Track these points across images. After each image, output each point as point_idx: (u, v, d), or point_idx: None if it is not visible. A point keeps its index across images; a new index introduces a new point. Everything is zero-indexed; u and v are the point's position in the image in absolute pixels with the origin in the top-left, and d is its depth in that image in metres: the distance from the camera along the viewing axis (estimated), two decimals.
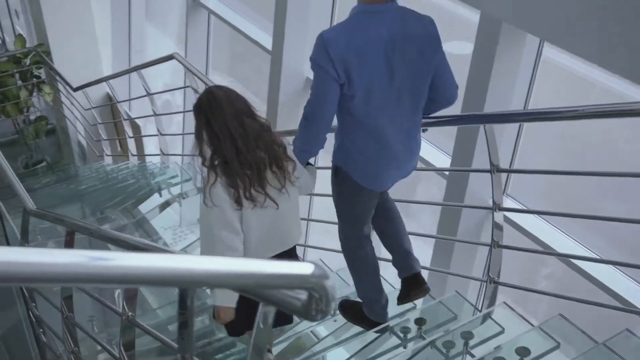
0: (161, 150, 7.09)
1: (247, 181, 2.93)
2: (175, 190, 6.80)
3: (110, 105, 9.39)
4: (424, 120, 3.23)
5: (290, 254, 3.25)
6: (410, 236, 3.62)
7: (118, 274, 1.23)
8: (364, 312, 3.68)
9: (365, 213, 3.43)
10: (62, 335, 3.67)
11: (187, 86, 5.91)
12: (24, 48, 9.46)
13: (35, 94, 9.73)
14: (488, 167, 3.56)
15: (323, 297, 1.52)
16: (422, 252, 5.52)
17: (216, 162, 2.93)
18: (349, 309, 3.84)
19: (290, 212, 3.15)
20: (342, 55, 2.88)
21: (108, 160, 8.87)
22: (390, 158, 3.18)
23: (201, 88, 5.81)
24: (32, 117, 9.99)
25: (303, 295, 1.53)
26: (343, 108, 3.05)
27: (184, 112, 8.17)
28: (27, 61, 9.43)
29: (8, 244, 3.74)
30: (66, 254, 1.21)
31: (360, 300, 3.70)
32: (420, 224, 7.87)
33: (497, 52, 4.54)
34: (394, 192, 3.60)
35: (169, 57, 6.12)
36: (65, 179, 8.98)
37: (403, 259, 3.57)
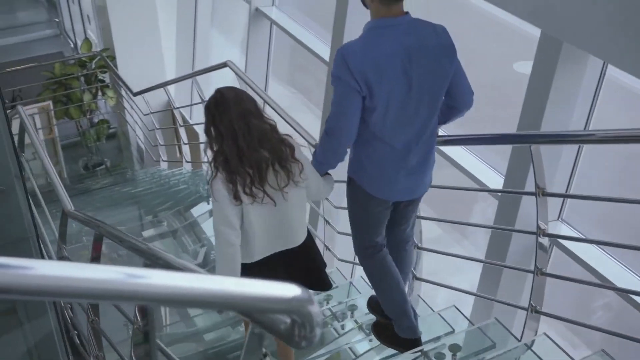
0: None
1: (248, 178, 3.04)
2: None
3: (170, 111, 9.45)
4: (467, 136, 3.14)
5: (302, 254, 3.35)
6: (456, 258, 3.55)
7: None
8: (395, 332, 3.65)
9: (377, 223, 3.48)
10: (87, 339, 3.62)
11: None
12: (89, 52, 9.60)
13: (98, 97, 9.87)
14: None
15: (307, 324, 1.39)
16: (473, 272, 5.34)
17: (219, 159, 3.06)
18: (382, 331, 3.80)
19: (293, 211, 3.23)
20: (361, 68, 2.93)
21: (164, 165, 8.91)
22: (402, 168, 3.21)
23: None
24: (95, 120, 10.12)
25: (288, 318, 1.42)
26: (361, 121, 3.08)
27: None
28: (93, 65, 9.56)
29: (40, 246, 3.70)
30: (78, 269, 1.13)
31: (391, 319, 3.67)
32: (476, 244, 7.65)
33: (556, 72, 4.34)
34: (448, 210, 3.50)
35: (223, 65, 6.07)
36: (122, 181, 9.07)
37: (408, 318, 3.63)
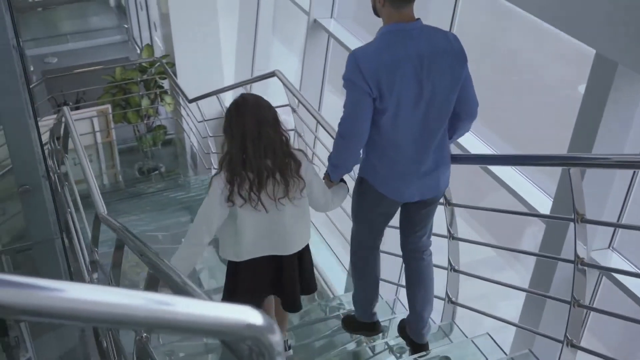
0: None
1: (247, 183, 3.13)
2: None
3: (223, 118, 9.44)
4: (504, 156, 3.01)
5: (294, 259, 3.43)
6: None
7: None
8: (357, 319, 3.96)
9: (382, 223, 3.58)
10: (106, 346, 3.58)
11: (286, 104, 5.76)
12: (149, 58, 9.69)
13: (157, 103, 9.94)
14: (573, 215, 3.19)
15: (265, 354, 1.26)
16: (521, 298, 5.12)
17: (226, 159, 3.15)
18: (350, 323, 4.08)
19: (287, 221, 3.28)
20: (373, 71, 2.99)
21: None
22: (414, 170, 3.26)
23: (299, 107, 5.68)
24: (152, 126, 10.20)
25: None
26: (372, 124, 3.13)
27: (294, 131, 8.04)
28: (152, 71, 9.64)
29: (64, 248, 3.67)
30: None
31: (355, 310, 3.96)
32: (528, 268, 7.35)
33: (611, 93, 4.12)
34: (500, 232, 3.37)
35: (271, 74, 6.00)
36: (174, 187, 9.10)
37: (416, 322, 3.80)
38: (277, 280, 3.47)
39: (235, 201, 3.15)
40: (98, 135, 9.68)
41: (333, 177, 3.45)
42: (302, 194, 3.26)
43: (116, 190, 9.69)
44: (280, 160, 3.16)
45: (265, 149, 3.11)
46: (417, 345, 3.85)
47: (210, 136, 8.41)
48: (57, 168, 6.35)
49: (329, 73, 8.33)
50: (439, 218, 3.83)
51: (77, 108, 10.00)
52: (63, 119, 5.89)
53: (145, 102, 9.63)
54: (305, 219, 3.40)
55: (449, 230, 4.10)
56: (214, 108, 9.46)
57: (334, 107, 8.26)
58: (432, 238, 3.76)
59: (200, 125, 8.60)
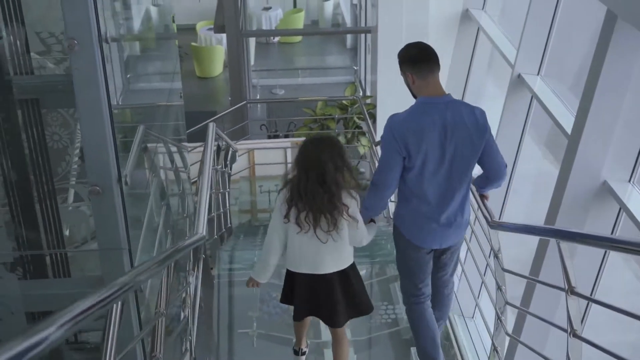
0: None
1: (297, 210, 3.67)
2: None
3: None
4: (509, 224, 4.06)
5: (335, 281, 3.87)
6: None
7: None
8: None
9: (417, 269, 4.03)
10: None
11: None
12: (350, 96, 9.50)
13: (354, 143, 9.72)
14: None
15: None
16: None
17: (293, 182, 3.68)
18: None
19: (330, 247, 3.76)
20: (403, 134, 3.63)
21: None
22: (434, 220, 3.83)
23: None
24: None
25: None
26: (401, 178, 3.76)
27: None
28: (352, 110, 9.44)
29: (131, 260, 3.43)
30: None
31: None
32: None
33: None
34: None
35: None
36: None
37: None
38: (315, 296, 3.92)
39: (290, 219, 3.72)
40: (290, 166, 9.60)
41: (364, 218, 3.88)
42: (345, 228, 3.77)
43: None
44: (336, 199, 3.64)
45: (323, 185, 3.60)
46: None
47: None
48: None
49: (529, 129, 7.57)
50: None
51: (276, 136, 10.05)
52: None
53: (341, 140, 9.41)
54: (345, 247, 3.85)
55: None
56: None
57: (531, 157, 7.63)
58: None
59: None
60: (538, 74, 7.24)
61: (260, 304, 5.45)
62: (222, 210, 7.20)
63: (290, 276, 3.97)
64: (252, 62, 15.37)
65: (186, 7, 16.73)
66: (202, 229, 4.04)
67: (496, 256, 4.26)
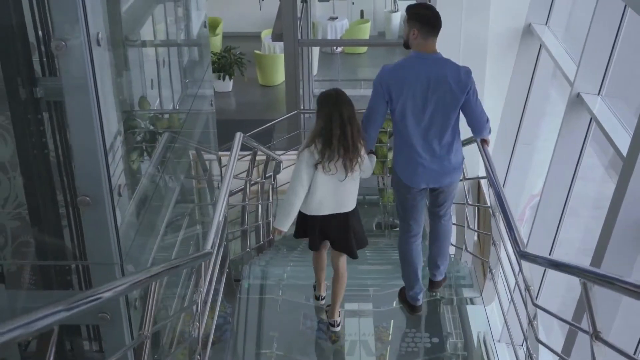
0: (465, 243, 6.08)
1: (332, 154, 4.32)
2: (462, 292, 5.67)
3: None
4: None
5: (347, 218, 4.65)
6: None
7: None
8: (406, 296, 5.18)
9: (409, 207, 4.76)
10: None
11: None
12: None
13: None
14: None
15: None
16: None
17: (319, 136, 4.36)
18: (401, 293, 5.30)
19: (348, 187, 4.52)
20: (387, 82, 4.37)
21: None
22: (420, 164, 4.52)
23: None
24: None
25: None
26: (394, 125, 4.53)
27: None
28: None
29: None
30: None
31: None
32: None
33: None
34: None
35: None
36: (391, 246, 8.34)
37: (432, 268, 5.13)
38: (334, 233, 4.70)
39: (318, 168, 4.37)
40: None
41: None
42: (362, 168, 4.50)
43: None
44: (352, 144, 4.32)
45: (344, 133, 4.28)
46: (432, 282, 5.24)
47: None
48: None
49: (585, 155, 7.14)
50: None
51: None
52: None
53: (391, 155, 9.11)
54: (356, 187, 4.62)
55: None
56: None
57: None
58: None
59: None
60: (599, 94, 6.81)
61: (284, 324, 5.22)
62: (260, 222, 7.02)
63: (304, 218, 4.67)
64: (315, 71, 15.19)
65: (251, 15, 16.72)
66: (210, 244, 3.82)
67: (527, 289, 3.92)
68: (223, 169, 9.39)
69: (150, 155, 4.26)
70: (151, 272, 2.98)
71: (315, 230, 4.68)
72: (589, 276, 3.01)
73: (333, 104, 4.30)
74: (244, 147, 6.47)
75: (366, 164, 4.54)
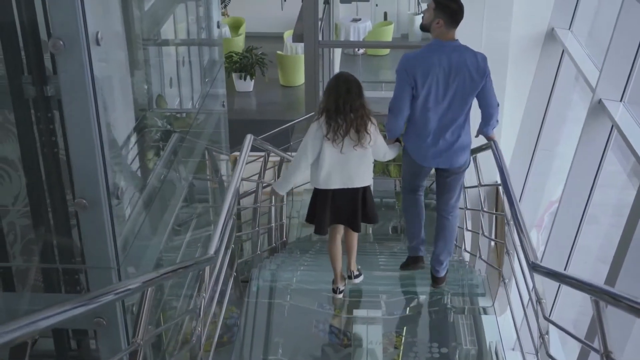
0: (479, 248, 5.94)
1: (336, 124, 4.52)
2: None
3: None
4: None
5: (356, 193, 4.80)
6: None
7: None
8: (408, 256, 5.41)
9: (414, 179, 5.07)
10: None
11: None
12: None
13: None
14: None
15: None
16: None
17: (325, 109, 4.58)
18: (403, 263, 5.48)
19: (357, 162, 4.68)
20: (412, 69, 4.51)
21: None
22: (431, 145, 4.74)
23: None
24: None
25: None
26: (411, 108, 4.64)
27: None
28: None
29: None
30: None
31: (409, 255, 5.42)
32: None
33: None
34: None
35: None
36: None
37: (435, 264, 5.25)
38: (345, 209, 4.84)
39: (328, 137, 4.55)
40: None
41: (388, 138, 4.93)
42: (368, 145, 4.63)
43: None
44: (359, 118, 4.52)
45: (351, 108, 4.49)
46: (435, 278, 5.32)
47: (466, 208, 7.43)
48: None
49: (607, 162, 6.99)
50: None
51: None
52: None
53: None
54: (367, 165, 4.77)
55: None
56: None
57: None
58: None
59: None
60: (621, 100, 6.67)
61: (291, 330, 5.13)
62: (274, 223, 6.95)
63: (316, 195, 4.85)
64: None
65: (274, 15, 16.67)
66: (213, 248, 3.75)
67: (539, 301, 3.80)
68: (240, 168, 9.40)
69: (156, 156, 4.20)
70: (143, 279, 2.90)
71: (325, 209, 4.79)
72: (600, 294, 2.88)
73: (338, 81, 4.57)
74: (258, 149, 6.42)
75: (379, 145, 4.73)
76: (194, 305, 3.79)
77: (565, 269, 7.32)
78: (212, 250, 3.74)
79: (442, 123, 4.64)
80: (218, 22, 5.13)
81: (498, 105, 4.82)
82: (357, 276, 5.28)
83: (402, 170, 5.19)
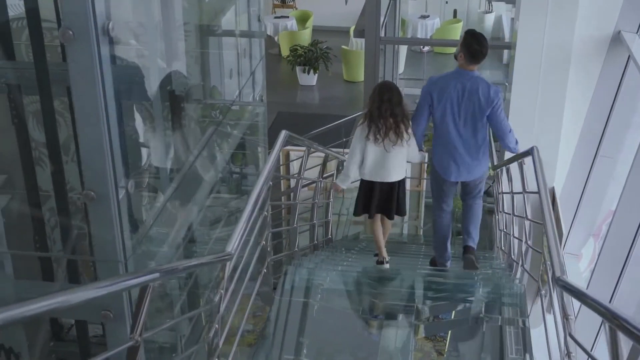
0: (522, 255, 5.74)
1: (376, 127, 5.31)
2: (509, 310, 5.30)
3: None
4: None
5: (392, 187, 5.62)
6: None
7: None
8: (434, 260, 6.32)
9: (441, 194, 5.86)
10: None
11: None
12: None
13: None
14: None
15: None
16: None
17: (368, 113, 5.37)
18: (432, 260, 6.37)
19: (394, 159, 5.47)
20: (431, 89, 5.42)
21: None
22: (452, 160, 5.56)
23: None
24: None
25: None
26: (435, 127, 5.56)
27: None
28: None
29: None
30: None
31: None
32: None
33: None
34: None
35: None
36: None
37: (465, 234, 5.98)
38: (383, 200, 5.65)
39: (369, 137, 5.34)
40: (408, 182, 9.13)
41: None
42: (405, 144, 5.40)
43: (404, 243, 9.05)
44: (398, 122, 5.30)
45: (392, 113, 5.27)
46: (466, 247, 5.90)
47: (514, 215, 7.21)
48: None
49: None
50: None
51: None
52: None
53: None
54: (402, 161, 5.55)
55: None
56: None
57: None
58: None
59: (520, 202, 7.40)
60: None
61: (317, 331, 5.05)
62: (317, 220, 6.88)
63: (363, 186, 5.65)
64: (401, 69, 14.93)
65: (341, 10, 16.58)
66: (232, 245, 3.69)
67: (566, 317, 3.62)
68: (292, 164, 9.32)
69: (183, 149, 4.18)
70: (142, 275, 2.85)
71: (369, 196, 5.63)
72: (614, 320, 2.67)
73: (380, 89, 5.38)
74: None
75: (412, 147, 5.49)
76: (212, 302, 3.74)
77: (618, 282, 7.07)
78: (229, 248, 3.69)
79: (458, 143, 5.46)
80: (259, 16, 5.07)
81: (510, 131, 5.55)
82: (387, 261, 6.04)
83: (430, 186, 6.08)
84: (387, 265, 5.98)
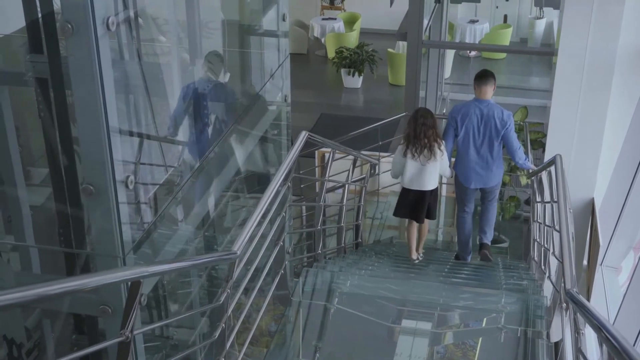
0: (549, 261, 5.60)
1: (416, 148, 6.44)
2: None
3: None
4: None
5: (425, 195, 6.68)
6: None
7: None
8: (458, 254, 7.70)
9: (463, 199, 7.22)
10: None
11: None
12: (520, 122, 8.71)
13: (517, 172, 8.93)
14: None
15: None
16: None
17: (406, 136, 6.56)
18: (457, 255, 7.70)
19: (428, 172, 6.55)
20: (455, 115, 6.80)
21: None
22: (472, 170, 6.92)
23: None
24: (504, 195, 9.19)
25: None
26: (458, 145, 6.91)
27: None
28: (519, 136, 8.62)
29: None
30: None
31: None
32: None
33: None
34: None
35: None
36: (497, 271, 7.58)
37: (480, 232, 7.40)
38: (417, 205, 6.68)
39: (407, 155, 6.47)
40: (444, 187, 9.02)
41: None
42: (440, 158, 6.48)
43: (437, 249, 8.93)
44: (432, 141, 6.41)
45: (425, 133, 6.40)
46: (481, 244, 7.32)
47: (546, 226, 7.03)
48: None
49: None
50: None
51: None
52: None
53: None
54: (435, 174, 6.61)
55: None
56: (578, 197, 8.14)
57: None
58: None
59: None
60: None
61: (331, 335, 4.99)
62: (344, 224, 6.83)
63: (402, 193, 6.73)
64: (447, 74, 14.77)
65: (389, 12, 16.45)
66: (238, 244, 3.66)
67: (577, 332, 3.50)
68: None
69: (192, 144, 4.17)
70: (133, 271, 2.83)
71: (406, 201, 6.70)
72: (614, 348, 2.54)
73: (416, 115, 6.54)
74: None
75: (444, 161, 6.62)
76: (219, 300, 3.71)
77: None
78: (235, 247, 3.66)
79: (477, 156, 6.80)
80: (284, 15, 5.04)
81: (520, 147, 6.89)
82: (418, 259, 7.13)
83: (455, 193, 7.37)
84: (416, 260, 7.06)
